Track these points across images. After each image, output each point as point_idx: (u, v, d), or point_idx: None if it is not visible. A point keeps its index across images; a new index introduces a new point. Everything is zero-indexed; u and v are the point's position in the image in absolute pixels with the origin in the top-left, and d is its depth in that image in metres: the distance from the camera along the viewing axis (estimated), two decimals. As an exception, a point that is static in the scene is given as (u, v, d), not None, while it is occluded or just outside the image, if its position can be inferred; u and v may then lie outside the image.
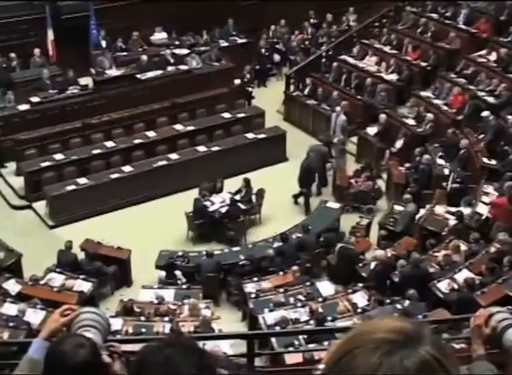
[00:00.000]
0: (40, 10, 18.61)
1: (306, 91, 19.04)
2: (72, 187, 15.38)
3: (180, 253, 13.57)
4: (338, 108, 17.23)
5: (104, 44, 19.60)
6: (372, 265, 12.71)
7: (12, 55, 18.65)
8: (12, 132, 16.62)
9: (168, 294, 12.51)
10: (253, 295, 12.17)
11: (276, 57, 21.29)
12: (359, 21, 21.29)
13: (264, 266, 13.10)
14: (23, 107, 17.25)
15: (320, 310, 11.33)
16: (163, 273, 13.26)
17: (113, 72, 18.64)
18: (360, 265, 13.03)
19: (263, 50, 20.97)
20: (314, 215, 14.95)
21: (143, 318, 11.61)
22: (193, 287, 12.84)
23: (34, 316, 11.47)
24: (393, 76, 18.67)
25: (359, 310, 11.43)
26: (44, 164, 15.88)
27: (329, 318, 10.97)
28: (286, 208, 15.29)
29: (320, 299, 11.86)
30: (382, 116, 17.00)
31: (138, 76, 18.46)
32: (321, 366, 2.21)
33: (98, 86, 18.09)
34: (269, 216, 15.42)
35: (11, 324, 11.14)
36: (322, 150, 16.41)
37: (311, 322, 11.03)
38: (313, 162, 15.78)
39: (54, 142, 16.59)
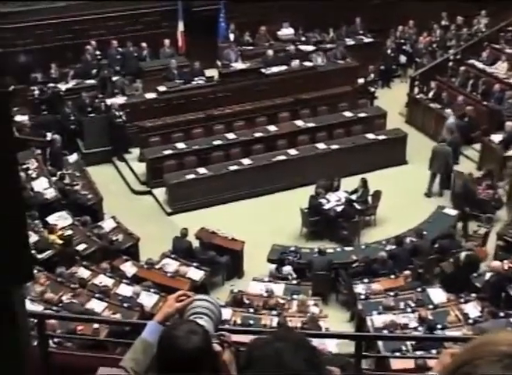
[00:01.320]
0: (172, 2, 19.12)
1: (430, 95, 18.67)
2: (192, 176, 15.70)
3: (293, 248, 13.62)
4: (448, 110, 16.94)
5: (232, 37, 19.92)
6: (487, 276, 12.36)
7: (144, 44, 19.22)
8: (138, 119, 17.14)
9: (278, 288, 12.57)
10: (362, 297, 12.08)
11: (402, 58, 21.00)
12: (491, 25, 20.67)
13: (376, 268, 12.96)
14: (150, 95, 17.75)
15: (430, 317, 11.13)
16: (274, 267, 13.35)
17: (239, 65, 18.93)
18: (475, 275, 12.71)
19: (389, 50, 20.71)
20: (430, 220, 14.66)
21: (251, 310, 11.72)
22: (304, 283, 12.88)
23: (148, 299, 11.81)
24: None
25: (470, 321, 11.13)
26: (166, 152, 16.29)
27: (439, 326, 10.76)
28: (401, 212, 15.05)
29: (430, 306, 11.63)
30: (509, 124, 16.49)
31: (263, 70, 18.65)
32: (431, 375, 2.18)
33: (223, 78, 18.41)
34: (384, 219, 15.25)
35: (125, 305, 11.52)
36: (446, 150, 16.06)
37: (420, 328, 10.85)
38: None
39: (177, 131, 16.99)
